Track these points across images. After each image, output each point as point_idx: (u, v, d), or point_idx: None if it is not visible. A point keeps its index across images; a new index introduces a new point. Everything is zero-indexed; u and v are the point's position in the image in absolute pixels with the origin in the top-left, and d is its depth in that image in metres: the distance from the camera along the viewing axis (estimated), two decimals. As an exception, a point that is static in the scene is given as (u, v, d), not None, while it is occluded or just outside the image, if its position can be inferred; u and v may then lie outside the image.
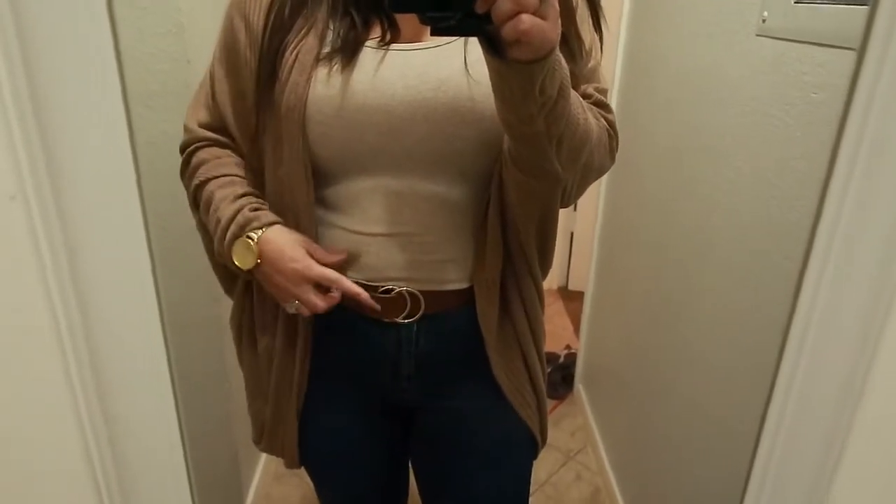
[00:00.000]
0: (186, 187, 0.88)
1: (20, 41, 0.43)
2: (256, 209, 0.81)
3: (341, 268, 0.81)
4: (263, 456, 1.90)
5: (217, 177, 0.83)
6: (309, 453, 0.93)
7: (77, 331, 0.49)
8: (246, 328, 0.93)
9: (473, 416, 0.90)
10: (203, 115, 0.85)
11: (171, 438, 0.57)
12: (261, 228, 0.79)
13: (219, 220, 0.81)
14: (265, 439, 0.95)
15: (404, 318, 0.82)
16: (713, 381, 1.22)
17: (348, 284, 0.78)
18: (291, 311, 0.81)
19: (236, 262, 0.80)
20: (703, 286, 1.27)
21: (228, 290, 0.94)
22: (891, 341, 0.52)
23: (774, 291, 0.99)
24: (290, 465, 0.95)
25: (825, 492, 0.58)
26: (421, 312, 0.82)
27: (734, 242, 1.13)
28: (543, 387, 0.93)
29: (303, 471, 0.97)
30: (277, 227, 0.80)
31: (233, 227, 0.79)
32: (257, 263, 0.79)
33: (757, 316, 1.05)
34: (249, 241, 0.78)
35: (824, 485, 0.57)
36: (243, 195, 0.82)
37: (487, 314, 0.83)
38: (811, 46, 0.89)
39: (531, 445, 0.94)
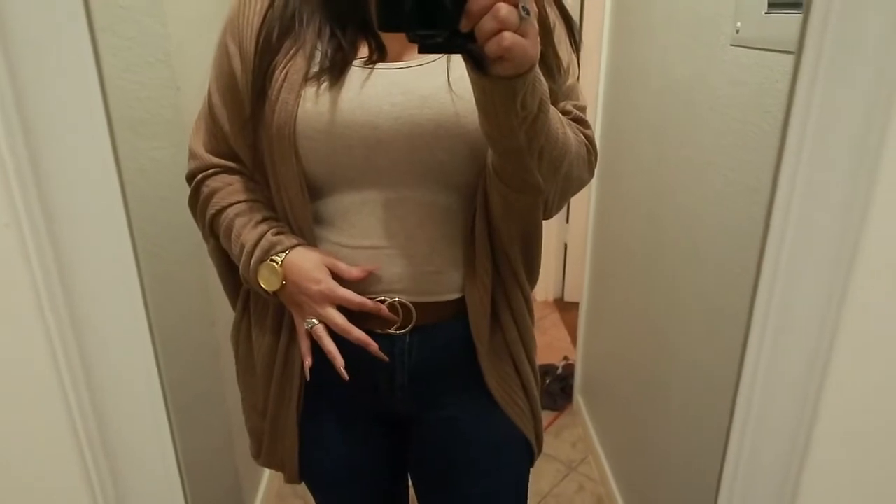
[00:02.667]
0: (199, 216, 0.89)
1: (11, 77, 0.44)
2: (279, 233, 0.83)
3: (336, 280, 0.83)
4: (265, 477, 1.90)
5: (233, 203, 0.85)
6: (308, 466, 0.94)
7: (73, 357, 0.50)
8: (244, 344, 0.94)
9: (468, 425, 0.91)
10: (209, 142, 0.88)
11: (167, 463, 0.57)
12: (284, 252, 0.82)
13: (243, 246, 0.83)
14: (264, 453, 0.96)
15: (397, 330, 0.84)
16: (708, 387, 1.23)
17: (368, 308, 0.82)
18: (308, 328, 0.83)
19: (263, 286, 0.83)
20: (693, 293, 1.28)
21: (230, 290, 0.98)
22: (844, 338, 0.54)
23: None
24: (290, 480, 0.96)
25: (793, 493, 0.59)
26: (413, 323, 0.84)
27: (721, 249, 1.14)
28: (537, 394, 0.95)
29: (305, 492, 0.98)
30: (300, 248, 0.82)
31: (257, 253, 0.82)
32: (283, 285, 0.82)
33: (734, 326, 1.06)
34: (274, 264, 0.81)
35: (791, 484, 0.59)
36: (263, 220, 0.84)
37: (479, 324, 0.85)
38: (782, 55, 0.92)
39: (527, 452, 0.95)
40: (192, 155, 0.89)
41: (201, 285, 1.43)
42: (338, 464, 0.95)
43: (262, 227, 0.83)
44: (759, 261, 0.55)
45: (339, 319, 0.81)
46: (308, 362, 0.85)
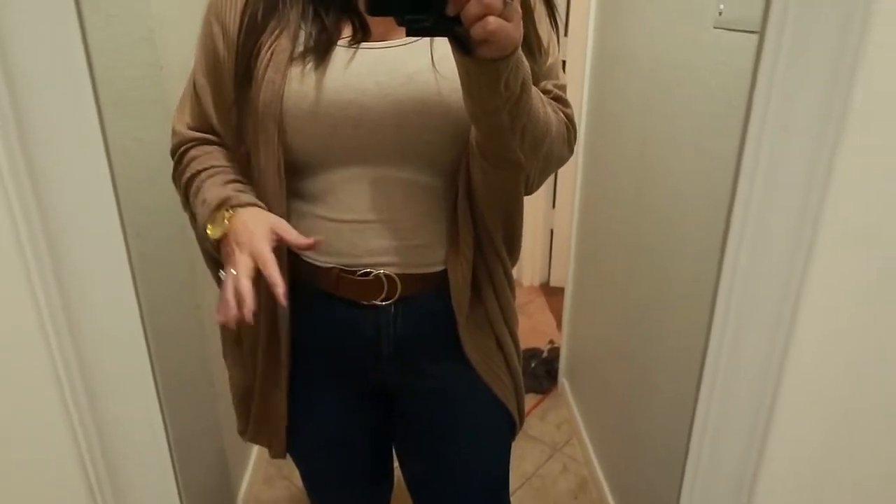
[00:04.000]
0: (178, 186, 0.90)
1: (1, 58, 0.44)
2: (241, 191, 0.83)
3: (321, 252, 0.84)
4: (252, 460, 1.90)
5: (207, 168, 0.86)
6: (294, 440, 0.95)
7: (64, 335, 0.50)
8: None
9: (451, 395, 0.94)
10: (190, 119, 0.89)
11: (157, 442, 0.58)
12: (239, 206, 0.81)
13: (204, 201, 0.83)
14: (251, 429, 0.97)
15: (382, 301, 0.85)
16: (692, 369, 1.25)
17: (271, 269, 0.74)
18: (221, 277, 0.78)
19: (209, 233, 0.81)
20: (678, 277, 1.30)
21: (212, 265, 0.95)
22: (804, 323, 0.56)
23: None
24: (276, 455, 0.97)
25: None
26: (398, 295, 0.85)
27: (705, 232, 1.16)
28: (519, 368, 0.96)
29: (291, 473, 0.99)
30: (255, 209, 0.81)
31: (214, 203, 0.81)
32: (225, 237, 0.79)
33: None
34: (225, 213, 0.80)
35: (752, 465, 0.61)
36: (231, 181, 0.85)
37: (460, 295, 0.87)
38: (765, 36, 0.92)
39: (509, 424, 0.97)
40: (174, 133, 0.90)
41: (186, 267, 1.43)
42: (323, 436, 0.97)
43: (229, 186, 0.83)
44: (724, 235, 0.57)
45: (241, 270, 0.75)
46: (233, 313, 0.75)
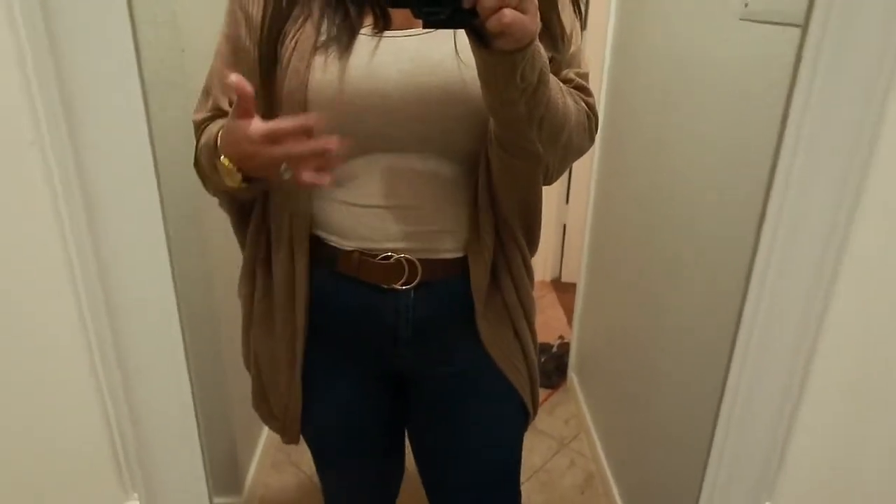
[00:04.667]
0: (198, 168, 0.87)
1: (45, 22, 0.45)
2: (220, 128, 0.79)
3: (343, 237, 0.83)
4: (260, 445, 1.91)
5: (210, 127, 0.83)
6: (308, 422, 0.96)
7: (99, 310, 0.50)
8: (246, 296, 0.95)
9: (466, 382, 0.94)
10: (210, 111, 0.87)
11: (186, 421, 0.58)
12: (219, 144, 0.77)
13: (207, 145, 0.80)
14: (265, 414, 0.97)
15: (402, 285, 0.85)
16: (702, 367, 1.24)
17: (286, 123, 0.70)
18: (287, 176, 0.73)
19: (231, 184, 0.79)
20: (693, 274, 1.29)
21: (240, 236, 0.95)
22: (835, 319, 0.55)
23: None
24: (289, 441, 0.97)
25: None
26: (418, 279, 0.85)
27: (723, 229, 1.15)
28: (535, 359, 0.96)
29: (300, 459, 0.99)
30: (226, 132, 0.76)
31: (210, 160, 0.79)
32: (239, 171, 0.76)
33: (738, 301, 1.07)
34: (225, 164, 0.77)
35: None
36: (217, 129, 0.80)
37: (479, 281, 0.87)
38: (792, 29, 0.91)
39: (522, 412, 0.97)
40: (194, 126, 0.88)
41: (199, 250, 1.43)
42: (336, 419, 0.97)
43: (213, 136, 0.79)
44: (757, 232, 0.56)
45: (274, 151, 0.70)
46: (315, 180, 0.72)
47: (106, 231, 0.49)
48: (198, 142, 0.87)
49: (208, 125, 0.86)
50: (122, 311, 0.50)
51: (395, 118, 0.78)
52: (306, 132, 0.70)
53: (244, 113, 0.71)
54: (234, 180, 0.78)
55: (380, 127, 0.79)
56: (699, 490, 0.64)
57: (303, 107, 0.78)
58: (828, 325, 0.58)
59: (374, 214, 0.83)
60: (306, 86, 0.77)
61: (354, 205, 0.84)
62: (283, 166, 0.72)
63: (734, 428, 0.60)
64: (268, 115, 0.82)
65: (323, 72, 0.78)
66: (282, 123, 0.70)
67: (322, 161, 0.71)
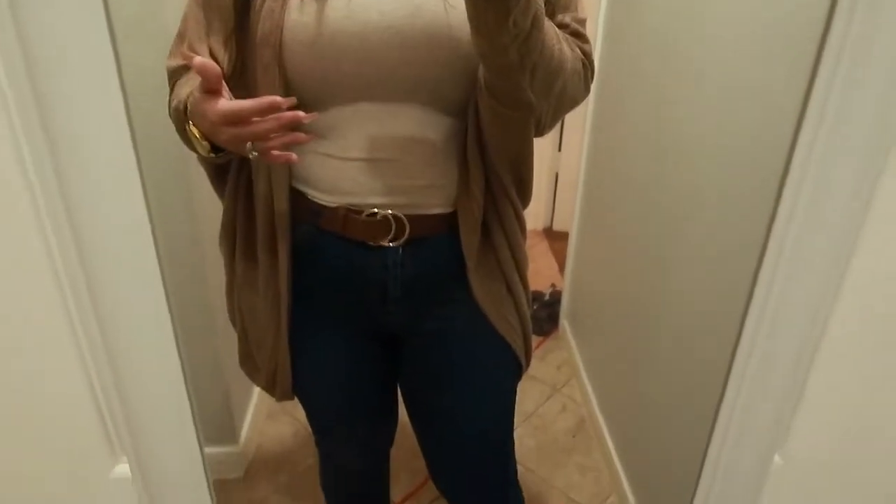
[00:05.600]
0: (172, 120, 0.82)
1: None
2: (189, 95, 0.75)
3: (326, 192, 0.80)
4: (255, 395, 1.93)
5: (184, 82, 0.80)
6: (300, 380, 0.95)
7: (73, 265, 0.48)
8: (227, 254, 0.93)
9: (458, 337, 0.93)
10: (184, 57, 0.83)
11: (172, 374, 0.57)
12: (190, 112, 0.74)
13: (178, 106, 0.77)
14: (255, 370, 0.97)
15: (390, 242, 0.83)
16: (692, 313, 1.25)
17: (251, 104, 0.67)
18: (253, 155, 0.71)
19: (199, 151, 0.77)
20: (687, 221, 1.28)
21: (219, 192, 0.93)
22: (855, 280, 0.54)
23: (757, 224, 1.00)
24: (281, 398, 0.97)
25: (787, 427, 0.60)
26: (406, 236, 0.83)
27: (728, 175, 1.13)
28: (527, 312, 0.96)
29: (295, 408, 0.99)
30: (197, 103, 0.72)
31: (181, 122, 0.76)
32: (201, 134, 0.73)
33: (736, 249, 1.07)
34: (193, 130, 0.74)
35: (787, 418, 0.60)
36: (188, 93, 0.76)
37: (469, 236, 0.85)
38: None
39: (516, 366, 0.97)
40: (167, 72, 0.84)
41: (185, 204, 1.41)
42: (328, 377, 0.97)
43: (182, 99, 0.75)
44: (779, 187, 0.54)
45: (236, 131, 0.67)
46: (283, 157, 0.70)
47: (79, 182, 0.47)
48: (171, 91, 0.83)
49: (181, 76, 0.82)
50: (98, 264, 0.48)
51: (376, 63, 0.75)
52: (274, 110, 0.66)
53: (211, 91, 0.68)
54: (203, 149, 0.75)
55: (361, 73, 0.75)
56: (707, 443, 0.64)
57: (278, 51, 0.74)
58: (853, 271, 0.56)
59: (358, 168, 0.80)
60: (281, 28, 0.74)
61: (337, 157, 0.81)
62: (250, 145, 0.69)
63: (748, 381, 0.59)
64: (242, 63, 0.78)
65: (300, 13, 0.74)
66: (246, 104, 0.66)
67: (289, 137, 0.69)
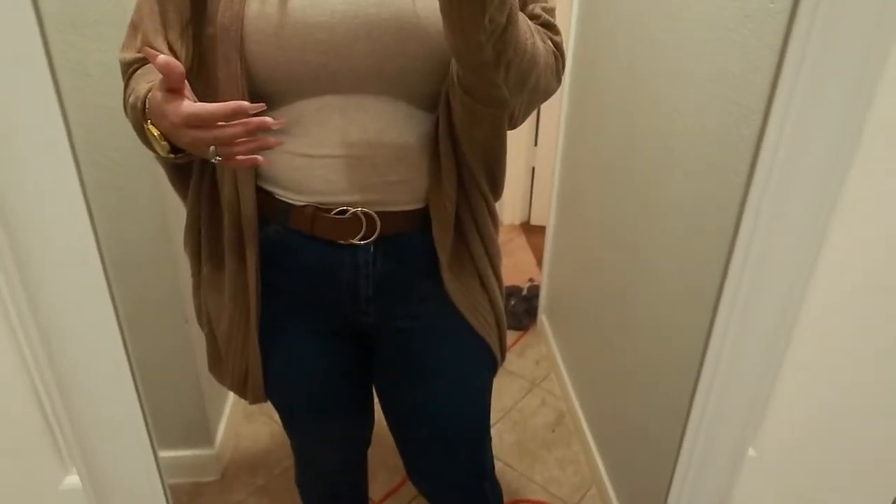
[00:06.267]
0: (128, 116, 0.79)
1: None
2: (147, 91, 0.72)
3: (294, 191, 0.77)
4: (231, 396, 1.90)
5: (140, 76, 0.77)
6: (272, 384, 0.93)
7: (6, 258, 0.46)
8: (193, 255, 0.90)
9: (432, 334, 0.92)
10: (137, 49, 0.79)
11: (120, 375, 0.54)
12: (149, 110, 0.71)
13: (136, 101, 0.73)
14: (226, 374, 0.94)
15: (361, 240, 0.81)
16: (669, 306, 1.24)
17: (215, 109, 0.64)
18: (216, 160, 0.68)
19: (161, 152, 0.73)
20: (663, 212, 1.27)
21: (180, 192, 0.90)
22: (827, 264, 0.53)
23: (731, 218, 0.99)
24: (254, 401, 0.94)
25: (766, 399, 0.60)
26: (377, 233, 0.81)
27: (700, 163, 1.12)
28: (502, 305, 0.95)
29: (271, 409, 0.96)
30: (155, 103, 0.69)
31: (134, 114, 0.73)
32: (161, 134, 0.70)
33: (711, 244, 1.06)
34: (152, 129, 0.71)
35: (765, 394, 0.59)
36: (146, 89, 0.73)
37: (442, 233, 0.83)
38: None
39: (491, 361, 0.96)
40: (120, 64, 0.80)
41: (155, 197, 1.37)
42: (300, 379, 0.95)
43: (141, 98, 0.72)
44: (749, 174, 0.53)
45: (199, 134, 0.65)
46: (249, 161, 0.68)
47: (13, 180, 0.44)
48: (126, 85, 0.79)
49: (137, 69, 0.78)
50: (38, 270, 0.46)
51: (341, 55, 0.72)
52: (240, 115, 0.63)
53: (173, 90, 0.64)
54: (162, 149, 0.72)
55: (325, 64, 0.73)
56: (681, 436, 0.64)
57: (239, 43, 0.71)
58: (822, 266, 0.56)
59: (326, 165, 0.78)
60: (242, 18, 0.71)
61: (304, 155, 0.78)
62: (213, 149, 0.66)
63: (720, 376, 0.59)
64: (201, 58, 0.75)
65: (261, 2, 0.71)
66: (211, 108, 0.63)
67: (256, 142, 0.66)
